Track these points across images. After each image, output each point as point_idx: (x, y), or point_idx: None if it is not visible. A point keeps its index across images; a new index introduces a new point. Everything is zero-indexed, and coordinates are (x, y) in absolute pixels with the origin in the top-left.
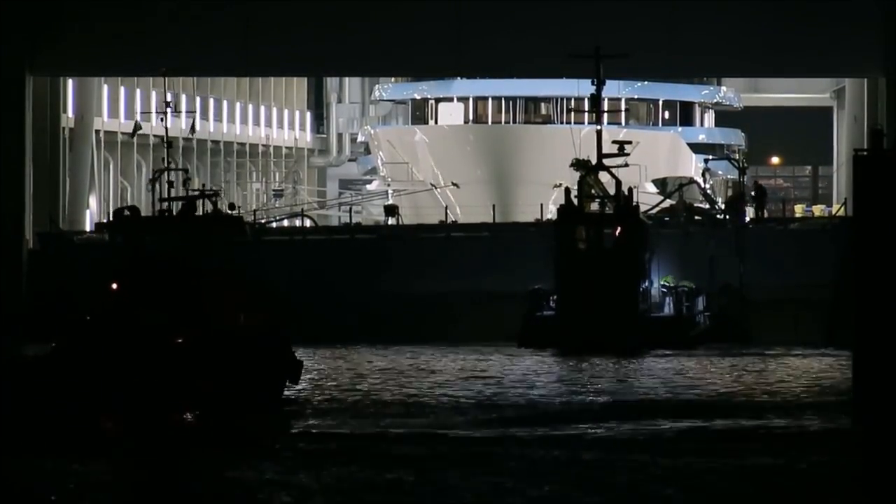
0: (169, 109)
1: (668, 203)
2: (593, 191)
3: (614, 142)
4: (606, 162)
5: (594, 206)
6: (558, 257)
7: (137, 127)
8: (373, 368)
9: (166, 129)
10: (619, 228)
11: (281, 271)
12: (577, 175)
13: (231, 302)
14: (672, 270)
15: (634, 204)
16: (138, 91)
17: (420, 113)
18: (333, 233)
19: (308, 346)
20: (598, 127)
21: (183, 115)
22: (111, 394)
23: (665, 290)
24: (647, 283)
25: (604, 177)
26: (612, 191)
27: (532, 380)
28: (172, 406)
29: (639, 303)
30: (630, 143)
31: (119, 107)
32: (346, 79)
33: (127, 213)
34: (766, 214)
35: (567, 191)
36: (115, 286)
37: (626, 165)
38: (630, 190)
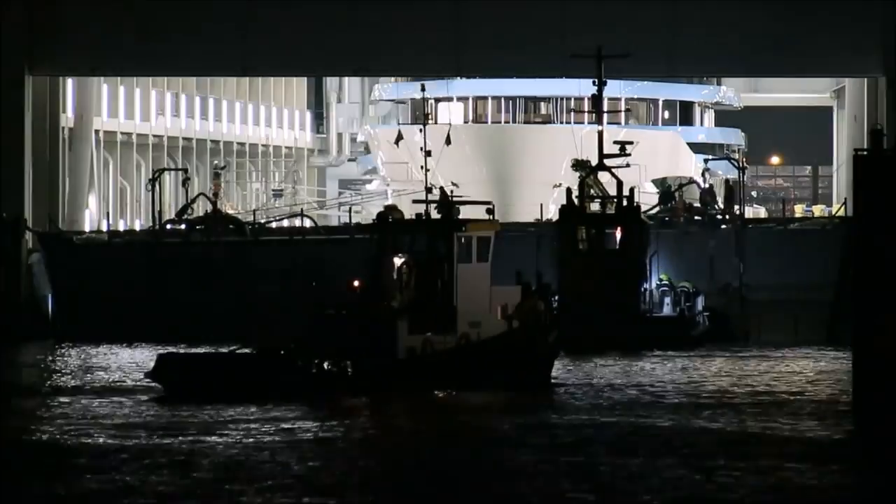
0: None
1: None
2: (592, 191)
3: (615, 142)
4: (607, 162)
5: (595, 207)
6: (560, 257)
7: (400, 136)
8: None
9: (399, 133)
10: (619, 228)
11: (280, 271)
12: (576, 175)
13: (490, 298)
14: (672, 270)
15: (635, 204)
16: (137, 91)
17: (420, 113)
18: (333, 233)
19: None
20: (600, 127)
21: (183, 116)
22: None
23: (665, 290)
24: (647, 283)
25: (604, 177)
26: (612, 191)
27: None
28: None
29: (640, 303)
30: (632, 143)
31: (119, 107)
32: (346, 79)
33: (390, 217)
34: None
35: (568, 191)
36: (356, 283)
37: (628, 165)
38: (631, 190)
